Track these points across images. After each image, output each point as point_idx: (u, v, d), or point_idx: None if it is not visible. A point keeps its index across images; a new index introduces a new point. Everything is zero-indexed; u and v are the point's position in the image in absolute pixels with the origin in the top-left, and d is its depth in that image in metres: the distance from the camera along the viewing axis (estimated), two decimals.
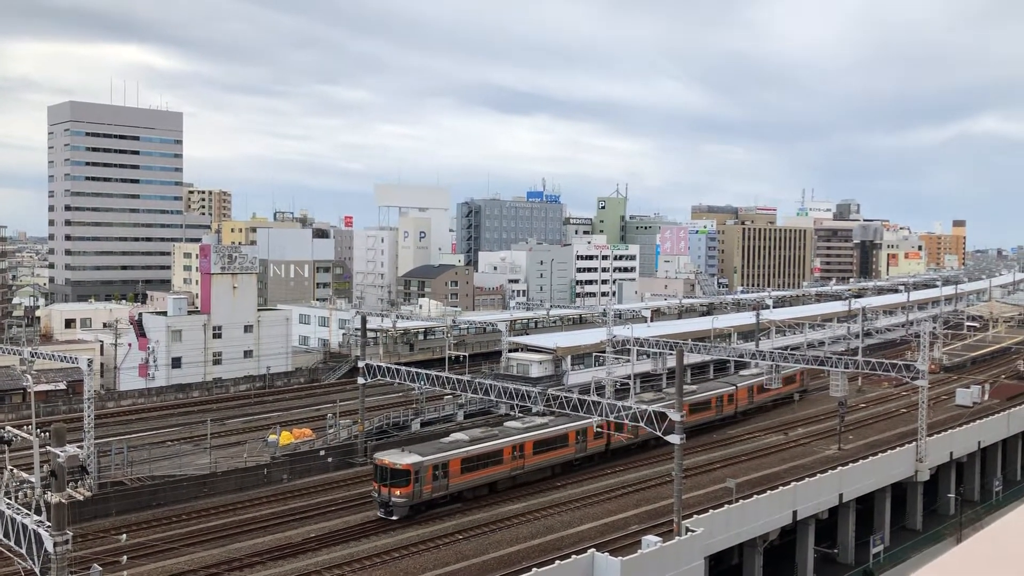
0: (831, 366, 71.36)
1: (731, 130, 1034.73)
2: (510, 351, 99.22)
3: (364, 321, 73.62)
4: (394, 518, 50.34)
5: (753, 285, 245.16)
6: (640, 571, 42.63)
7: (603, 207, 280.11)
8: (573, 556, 42.83)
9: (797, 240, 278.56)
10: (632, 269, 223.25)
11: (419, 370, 61.96)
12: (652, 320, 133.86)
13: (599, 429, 62.53)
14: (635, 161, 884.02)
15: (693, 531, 46.37)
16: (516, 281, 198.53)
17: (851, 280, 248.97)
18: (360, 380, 62.41)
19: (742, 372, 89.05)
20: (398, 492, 50.41)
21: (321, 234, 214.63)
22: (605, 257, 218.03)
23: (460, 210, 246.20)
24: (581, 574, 41.91)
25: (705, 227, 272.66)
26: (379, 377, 62.35)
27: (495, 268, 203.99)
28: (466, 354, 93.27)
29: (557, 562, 42.17)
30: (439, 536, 48.58)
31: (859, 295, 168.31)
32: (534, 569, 40.86)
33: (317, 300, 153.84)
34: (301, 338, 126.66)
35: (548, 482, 59.90)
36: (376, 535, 48.98)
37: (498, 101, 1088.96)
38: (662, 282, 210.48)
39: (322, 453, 64.14)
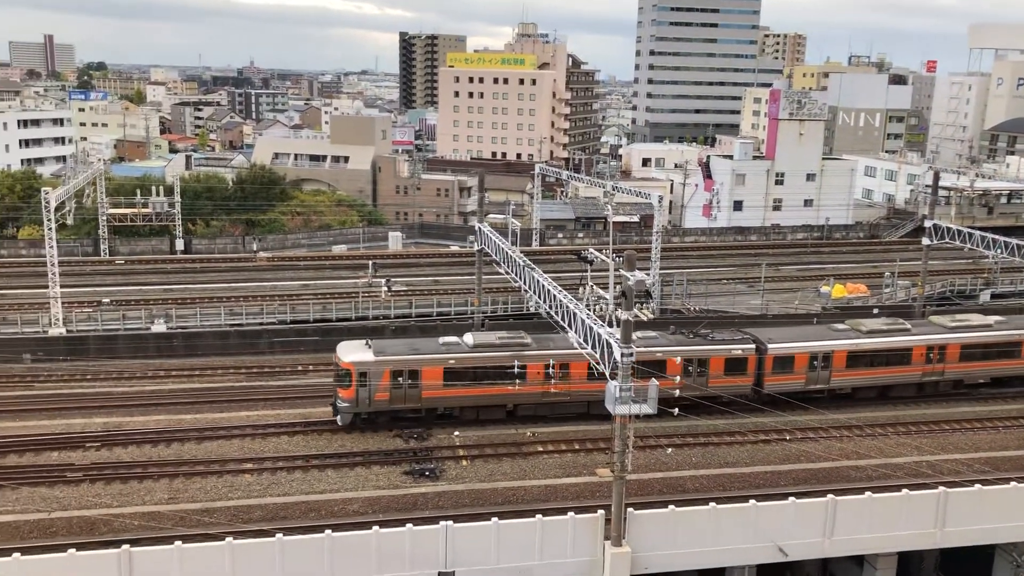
0: None
1: None
2: None
3: (936, 177, 67.59)
4: (339, 423, 39.90)
5: None
6: None
7: None
8: None
9: None
10: None
11: (996, 236, 55.43)
12: None
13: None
14: None
15: None
16: None
17: None
18: (925, 241, 57.94)
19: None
20: (341, 394, 39.63)
21: (898, 80, 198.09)
22: None
23: None
24: None
25: None
26: (947, 240, 57.21)
27: None
28: None
29: None
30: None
31: None
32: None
33: (886, 152, 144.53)
34: (864, 191, 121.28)
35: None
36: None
37: None
38: None
39: (875, 312, 61.99)
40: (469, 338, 41.67)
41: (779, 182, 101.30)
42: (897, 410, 45.08)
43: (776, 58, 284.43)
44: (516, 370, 40.64)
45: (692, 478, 36.63)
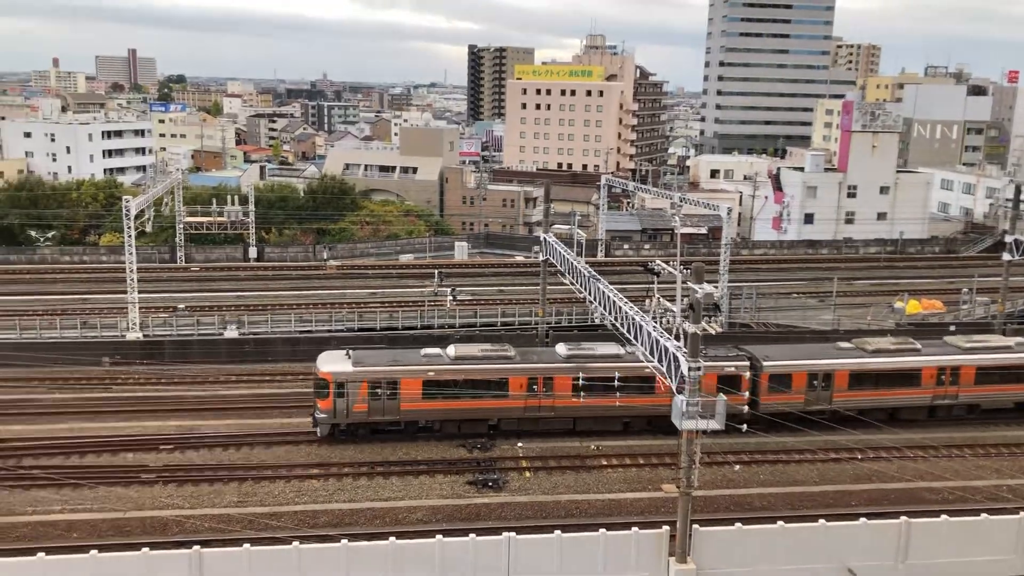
0: None
1: None
2: None
3: (1018, 190, 65.35)
4: (318, 434, 39.69)
5: None
6: None
7: None
8: None
9: None
10: None
11: None
12: None
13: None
14: None
15: None
16: None
17: None
18: (1006, 256, 56.08)
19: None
20: (319, 405, 39.35)
21: (977, 91, 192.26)
22: None
23: None
24: None
25: None
26: None
27: None
28: None
29: None
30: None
31: None
32: None
33: (964, 165, 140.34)
34: (940, 204, 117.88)
35: None
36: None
37: None
38: None
39: (952, 329, 60.15)
40: (451, 350, 41.13)
41: (851, 195, 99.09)
42: (976, 431, 43.66)
43: (849, 69, 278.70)
44: (498, 383, 39.85)
45: (760, 496, 36.00)
